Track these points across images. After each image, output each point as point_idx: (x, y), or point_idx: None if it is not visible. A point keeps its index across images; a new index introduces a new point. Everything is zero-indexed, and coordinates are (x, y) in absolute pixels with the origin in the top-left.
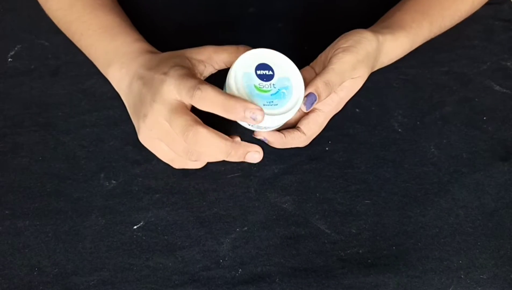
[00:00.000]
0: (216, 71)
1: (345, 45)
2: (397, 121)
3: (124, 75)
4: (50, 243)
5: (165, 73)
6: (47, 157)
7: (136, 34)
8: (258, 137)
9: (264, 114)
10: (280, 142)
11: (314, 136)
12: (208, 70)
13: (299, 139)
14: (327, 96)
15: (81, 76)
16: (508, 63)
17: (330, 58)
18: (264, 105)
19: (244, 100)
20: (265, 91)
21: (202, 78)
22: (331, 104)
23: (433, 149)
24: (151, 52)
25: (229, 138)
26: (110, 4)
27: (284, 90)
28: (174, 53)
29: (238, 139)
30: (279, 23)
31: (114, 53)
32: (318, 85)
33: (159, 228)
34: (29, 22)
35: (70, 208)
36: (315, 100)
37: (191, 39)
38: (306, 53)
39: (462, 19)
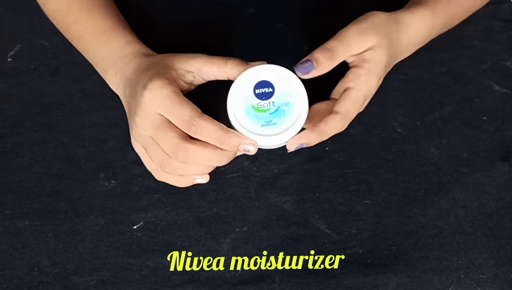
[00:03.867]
0: (205, 82)
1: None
2: (397, 121)
3: (119, 81)
4: (50, 243)
5: (144, 87)
6: (47, 157)
7: (129, 35)
8: (292, 150)
9: (257, 146)
10: (314, 137)
11: (351, 114)
12: (197, 81)
13: (333, 121)
14: (328, 63)
15: (81, 76)
16: (508, 63)
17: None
18: (262, 126)
19: (237, 135)
20: (264, 111)
21: (192, 87)
22: (358, 77)
23: (433, 149)
24: (144, 55)
25: (217, 147)
26: (105, 4)
27: (284, 107)
28: (161, 60)
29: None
30: (279, 23)
31: (109, 58)
32: (316, 51)
33: (159, 228)
34: (29, 22)
35: (70, 208)
36: (311, 67)
37: (191, 39)
38: (306, 53)
39: (471, 12)
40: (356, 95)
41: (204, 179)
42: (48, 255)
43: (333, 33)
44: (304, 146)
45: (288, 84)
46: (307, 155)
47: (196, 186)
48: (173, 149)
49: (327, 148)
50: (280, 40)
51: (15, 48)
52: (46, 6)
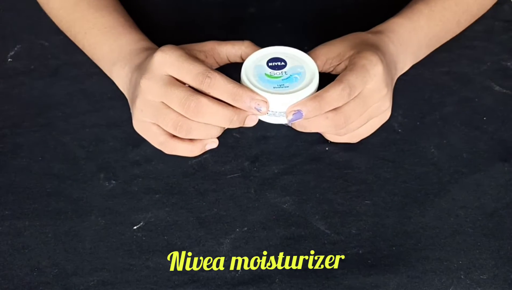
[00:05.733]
0: (218, 66)
1: None
2: (397, 121)
3: (127, 72)
4: (50, 244)
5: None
6: (47, 157)
7: (140, 33)
8: (290, 118)
9: (268, 106)
10: (312, 103)
11: (353, 85)
12: (208, 62)
13: (333, 88)
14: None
15: (81, 76)
16: (508, 63)
17: None
18: (274, 87)
19: (252, 91)
20: (276, 77)
21: None
22: (357, 62)
23: (433, 149)
24: (155, 50)
25: (229, 105)
26: (114, 4)
27: (296, 75)
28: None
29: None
30: (279, 23)
31: (119, 52)
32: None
33: (159, 228)
34: (29, 22)
35: (70, 209)
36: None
37: (191, 39)
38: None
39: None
40: (358, 69)
41: (215, 143)
42: (48, 255)
43: (333, 33)
44: (303, 116)
45: (298, 59)
46: (307, 155)
47: (196, 187)
48: (185, 101)
49: (327, 148)
50: (280, 40)
51: (15, 48)
52: (49, 4)
